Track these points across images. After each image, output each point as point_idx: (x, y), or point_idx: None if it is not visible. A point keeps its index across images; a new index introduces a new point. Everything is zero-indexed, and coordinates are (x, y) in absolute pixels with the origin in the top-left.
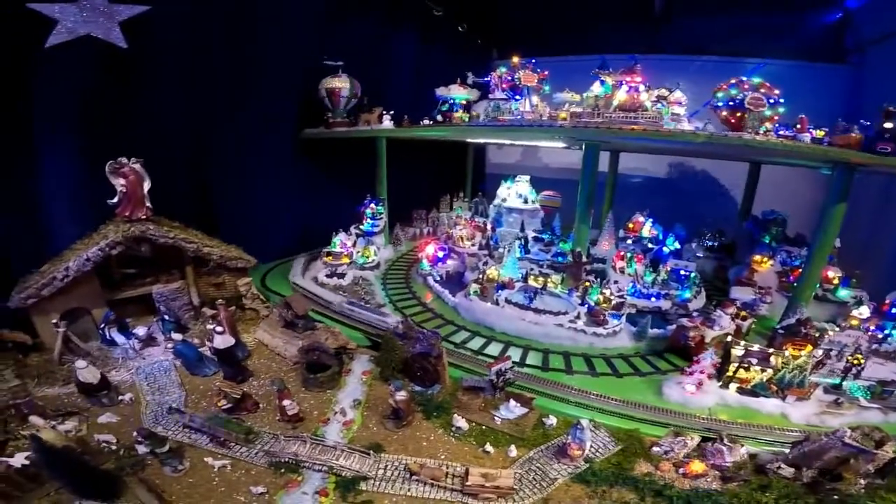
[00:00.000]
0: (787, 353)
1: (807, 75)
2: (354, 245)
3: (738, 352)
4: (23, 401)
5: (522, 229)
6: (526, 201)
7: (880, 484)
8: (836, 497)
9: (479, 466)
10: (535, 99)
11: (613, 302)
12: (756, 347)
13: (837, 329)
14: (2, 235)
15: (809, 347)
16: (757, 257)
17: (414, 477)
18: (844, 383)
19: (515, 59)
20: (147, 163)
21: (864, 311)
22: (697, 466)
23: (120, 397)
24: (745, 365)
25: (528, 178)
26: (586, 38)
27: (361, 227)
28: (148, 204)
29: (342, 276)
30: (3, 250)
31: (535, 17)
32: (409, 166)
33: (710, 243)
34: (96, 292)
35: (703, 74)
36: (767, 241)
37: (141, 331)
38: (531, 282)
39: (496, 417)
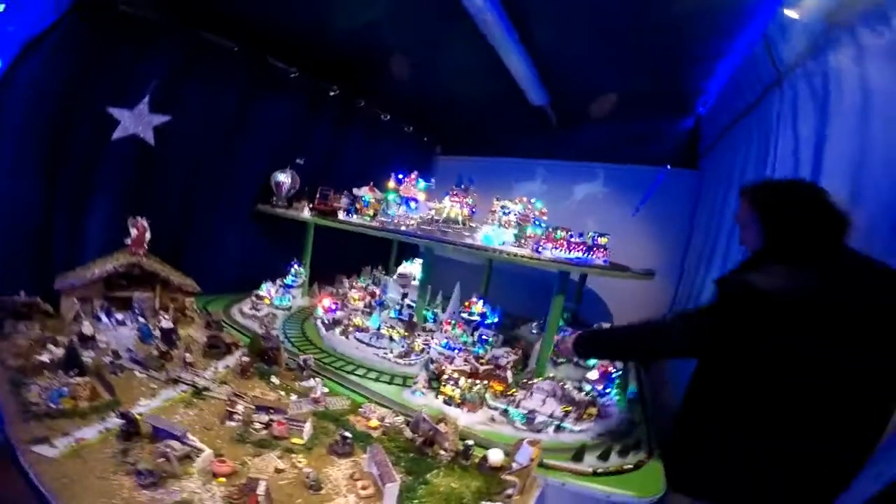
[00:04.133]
0: (474, 382)
1: (671, 180)
2: (277, 292)
3: (445, 376)
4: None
5: (403, 297)
6: (414, 279)
7: (463, 463)
8: (427, 457)
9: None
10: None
11: (420, 347)
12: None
13: (540, 379)
14: (58, 248)
15: (501, 386)
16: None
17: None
18: (509, 409)
19: (391, 184)
20: (150, 219)
21: (594, 374)
22: (374, 423)
23: (99, 345)
24: (446, 384)
25: (420, 260)
26: (504, 143)
27: (284, 280)
28: (146, 246)
29: (259, 309)
30: (49, 253)
31: (464, 125)
32: (339, 240)
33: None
34: (100, 289)
35: (600, 179)
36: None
37: (119, 316)
38: (383, 331)
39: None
